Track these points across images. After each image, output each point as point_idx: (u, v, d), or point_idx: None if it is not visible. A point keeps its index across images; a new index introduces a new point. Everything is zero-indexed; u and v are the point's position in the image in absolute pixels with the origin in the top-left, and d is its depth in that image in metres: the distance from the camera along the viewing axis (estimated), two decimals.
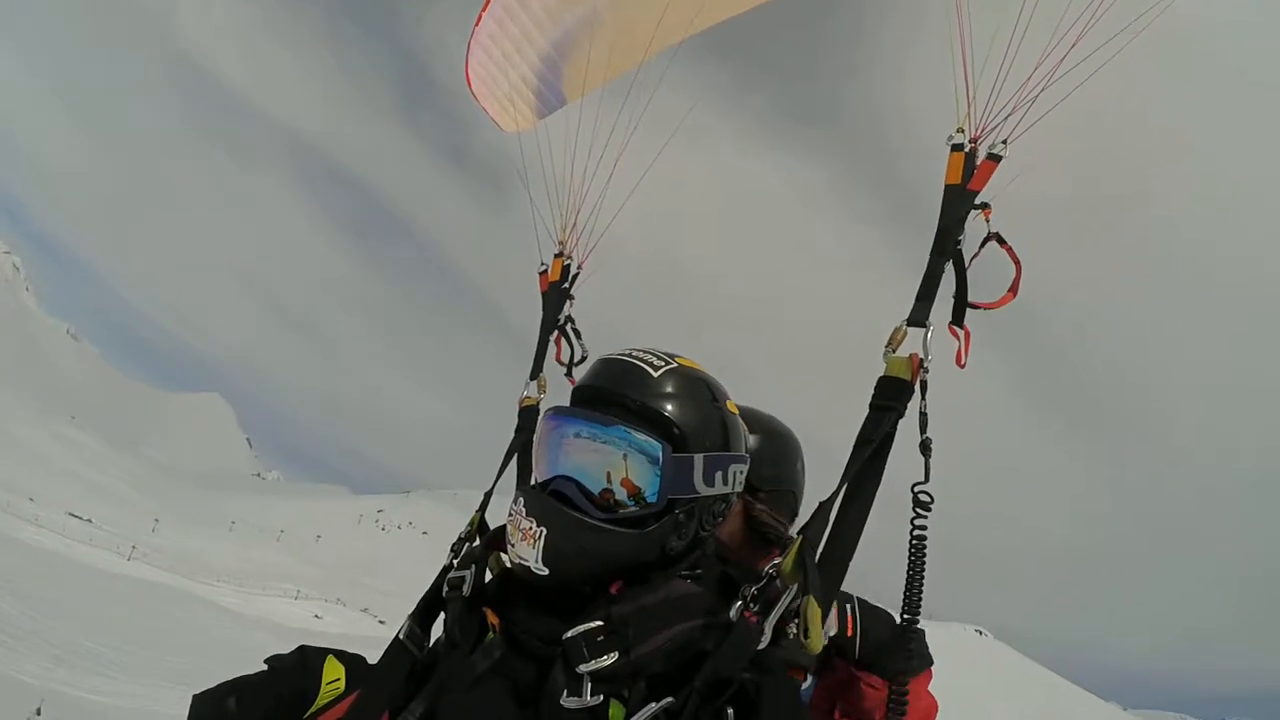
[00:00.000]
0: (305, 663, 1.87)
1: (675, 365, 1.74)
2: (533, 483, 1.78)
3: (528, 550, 1.60)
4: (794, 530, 2.51)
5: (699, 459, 1.67)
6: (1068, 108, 1.98)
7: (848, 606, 2.13)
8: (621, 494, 1.64)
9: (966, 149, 1.99)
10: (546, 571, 1.58)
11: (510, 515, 1.68)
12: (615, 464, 1.64)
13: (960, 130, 2.01)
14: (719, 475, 1.71)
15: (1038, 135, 1.98)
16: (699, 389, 1.73)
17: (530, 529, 1.60)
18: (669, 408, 1.67)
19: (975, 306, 1.96)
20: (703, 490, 1.68)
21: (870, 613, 2.15)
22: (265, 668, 1.87)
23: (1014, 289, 1.96)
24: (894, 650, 1.93)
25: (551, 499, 1.63)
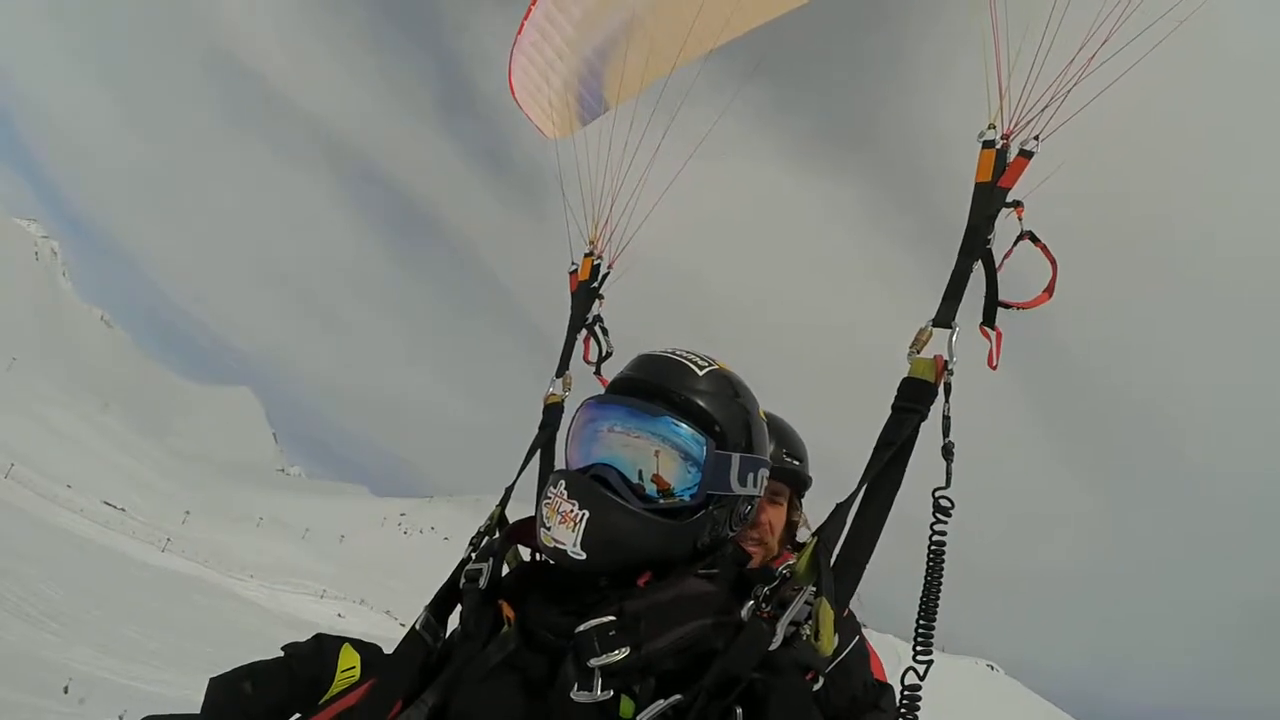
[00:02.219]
0: (321, 650, 1.93)
1: (717, 367, 1.83)
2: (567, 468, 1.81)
3: (566, 533, 1.63)
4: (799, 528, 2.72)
5: (736, 458, 1.74)
6: (1096, 111, 1.98)
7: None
8: (663, 485, 1.69)
9: (998, 145, 1.97)
10: (584, 556, 1.62)
11: (548, 498, 1.69)
12: (659, 455, 1.70)
13: (992, 126, 1.99)
14: (750, 476, 1.78)
15: (1065, 135, 1.97)
16: (737, 392, 1.82)
17: (571, 511, 1.63)
18: (711, 405, 1.74)
19: (1008, 306, 1.94)
20: (737, 489, 1.74)
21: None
22: (281, 654, 1.94)
23: (1050, 289, 1.94)
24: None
25: (595, 483, 1.67)
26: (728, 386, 1.81)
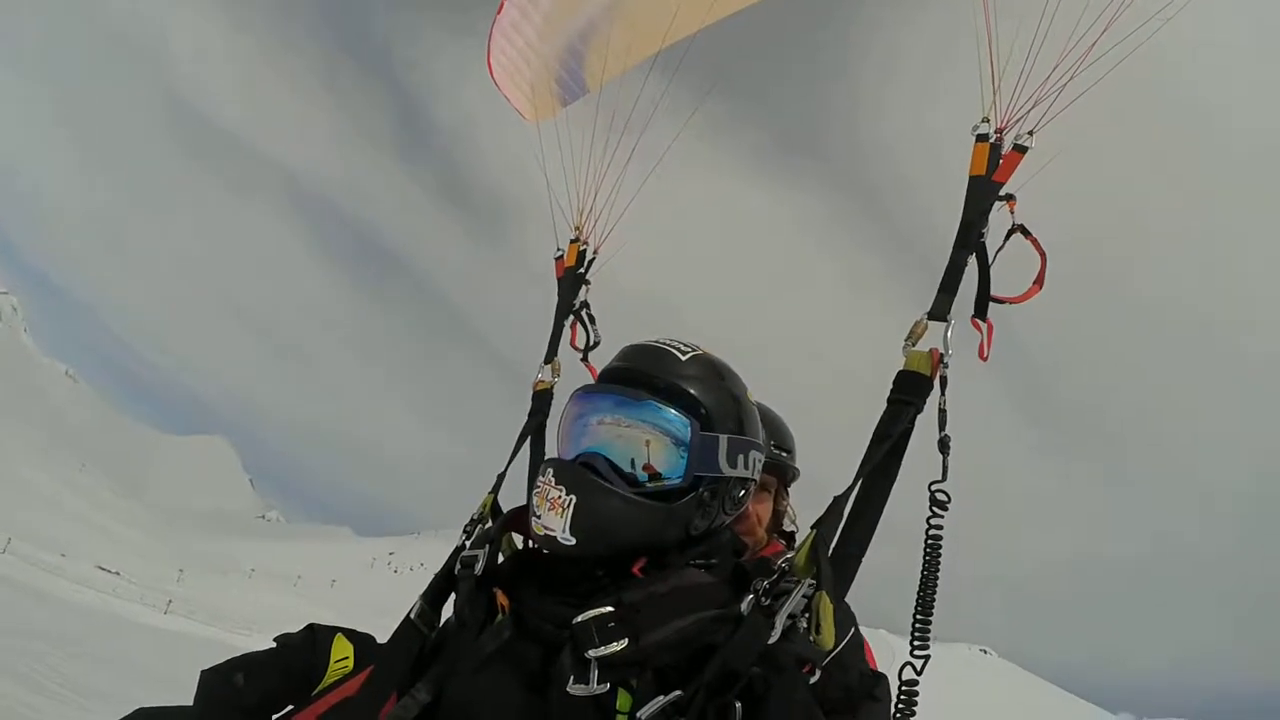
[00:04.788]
0: (314, 640, 1.92)
1: (701, 352, 1.85)
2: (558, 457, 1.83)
3: (555, 520, 1.64)
4: (787, 519, 2.76)
5: (723, 439, 1.75)
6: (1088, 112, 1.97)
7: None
8: (651, 469, 1.70)
9: (991, 139, 1.99)
10: (574, 541, 1.63)
11: (537, 486, 1.72)
12: (644, 440, 1.71)
13: (985, 120, 2.01)
14: (741, 458, 1.78)
15: (1062, 134, 1.97)
16: (723, 376, 1.84)
17: (559, 498, 1.65)
18: (695, 388, 1.76)
19: (1000, 301, 1.97)
20: (726, 470, 1.75)
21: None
22: (274, 644, 1.92)
23: (1039, 281, 1.97)
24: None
25: (583, 469, 1.69)
26: (713, 371, 1.83)
